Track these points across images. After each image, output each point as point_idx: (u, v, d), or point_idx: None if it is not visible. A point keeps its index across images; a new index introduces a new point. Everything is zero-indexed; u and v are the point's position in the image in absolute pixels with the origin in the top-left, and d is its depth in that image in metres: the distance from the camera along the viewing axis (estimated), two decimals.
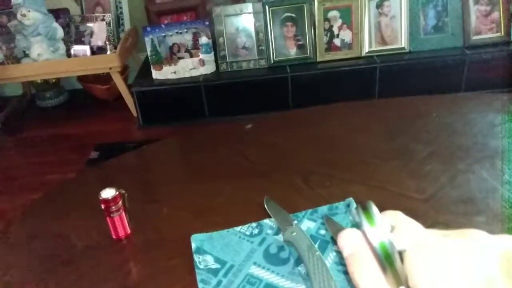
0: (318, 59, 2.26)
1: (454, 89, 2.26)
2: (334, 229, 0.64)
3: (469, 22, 2.24)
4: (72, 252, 0.69)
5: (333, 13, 2.23)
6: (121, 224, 0.70)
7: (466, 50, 2.22)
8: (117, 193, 0.68)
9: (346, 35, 2.25)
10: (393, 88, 2.23)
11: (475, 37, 2.26)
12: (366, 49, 2.26)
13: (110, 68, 2.21)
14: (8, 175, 1.98)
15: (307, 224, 0.66)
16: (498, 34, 2.26)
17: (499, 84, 2.19)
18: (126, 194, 0.71)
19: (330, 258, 0.59)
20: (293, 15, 2.22)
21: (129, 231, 0.71)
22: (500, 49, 2.22)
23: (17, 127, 2.37)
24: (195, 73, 2.23)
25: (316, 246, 0.60)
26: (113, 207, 0.68)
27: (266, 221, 0.68)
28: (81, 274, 0.64)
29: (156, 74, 2.23)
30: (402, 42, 2.26)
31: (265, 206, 0.70)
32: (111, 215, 0.69)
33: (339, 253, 0.60)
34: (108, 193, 0.68)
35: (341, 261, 0.59)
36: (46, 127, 2.35)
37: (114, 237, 0.70)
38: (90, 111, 2.45)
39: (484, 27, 2.26)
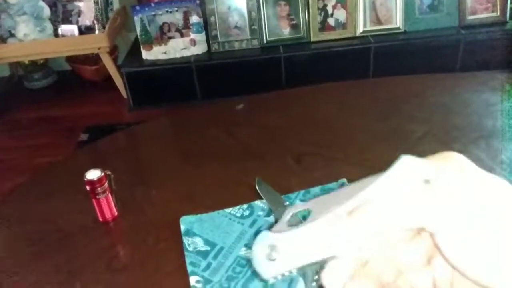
0: (312, 39, 2.22)
1: (449, 69, 2.24)
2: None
3: (464, 1, 2.21)
4: (58, 236, 0.67)
5: None
6: (107, 206, 0.68)
7: (462, 30, 2.19)
8: (103, 174, 0.66)
9: (340, 14, 2.21)
10: (388, 68, 2.20)
11: (470, 17, 2.23)
12: (360, 29, 2.22)
13: (99, 49, 2.16)
14: None
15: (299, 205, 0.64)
16: (494, 14, 2.23)
17: (495, 65, 2.17)
18: (112, 176, 0.68)
19: None
20: None
21: (116, 213, 0.69)
22: (496, 29, 2.19)
23: (5, 109, 2.32)
24: (186, 53, 2.18)
25: None
26: (99, 188, 0.66)
27: (257, 202, 0.66)
28: (68, 258, 0.63)
29: (146, 55, 2.18)
30: (397, 21, 2.22)
31: (257, 188, 0.68)
32: (97, 196, 0.67)
33: None
34: (93, 174, 0.66)
35: None
36: (34, 109, 2.30)
37: (100, 219, 0.68)
38: (79, 93, 2.40)
39: (480, 6, 2.23)
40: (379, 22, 2.23)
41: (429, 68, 2.19)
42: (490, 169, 0.70)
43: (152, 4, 2.15)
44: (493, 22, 2.21)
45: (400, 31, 2.22)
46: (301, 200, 0.65)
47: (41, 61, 2.48)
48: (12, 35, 2.14)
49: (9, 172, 1.80)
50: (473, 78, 1.00)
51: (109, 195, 0.68)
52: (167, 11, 2.14)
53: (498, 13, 2.22)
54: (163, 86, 2.22)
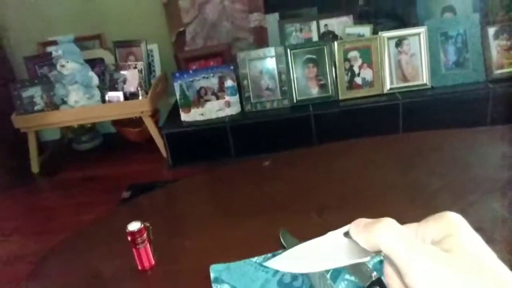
0: (340, 97, 2.31)
1: (479, 123, 2.25)
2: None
3: (490, 57, 2.26)
4: (100, 282, 0.74)
5: (353, 54, 2.30)
6: (146, 256, 0.75)
7: (489, 84, 2.22)
8: (142, 225, 0.74)
9: (367, 73, 2.31)
10: (417, 124, 2.23)
11: (497, 71, 2.27)
12: (387, 86, 2.30)
13: (142, 112, 2.33)
14: (45, 216, 2.09)
15: None
16: None
17: None
18: (150, 227, 0.76)
19: (341, 287, 0.62)
20: (314, 56, 2.30)
21: (153, 262, 0.76)
22: None
23: (55, 170, 2.50)
24: (221, 114, 2.32)
25: (328, 275, 0.63)
26: (139, 239, 0.74)
27: (281, 252, 0.71)
28: None
29: (184, 117, 2.33)
30: (424, 78, 2.29)
31: (281, 238, 0.74)
32: (137, 246, 0.74)
33: (350, 282, 0.63)
34: (134, 226, 0.74)
35: None
36: (81, 169, 2.48)
37: (139, 268, 0.75)
38: (123, 153, 2.57)
39: (506, 61, 2.27)
40: (405, 79, 2.30)
41: (458, 123, 2.21)
42: (504, 219, 0.73)
43: (191, 71, 2.33)
44: None
45: (427, 87, 2.28)
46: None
47: (89, 125, 2.69)
48: (65, 103, 2.36)
49: (58, 229, 1.93)
50: (491, 132, 1.04)
51: (148, 245, 0.75)
52: (204, 77, 2.31)
53: None
54: (200, 146, 2.34)
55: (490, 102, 2.21)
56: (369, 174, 0.93)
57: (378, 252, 0.32)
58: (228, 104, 2.32)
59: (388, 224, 0.32)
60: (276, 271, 0.68)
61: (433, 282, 0.29)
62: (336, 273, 0.65)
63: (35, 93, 2.38)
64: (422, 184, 0.86)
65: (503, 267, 0.30)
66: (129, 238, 0.74)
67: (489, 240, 0.68)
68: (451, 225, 0.33)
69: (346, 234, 0.34)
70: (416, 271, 0.29)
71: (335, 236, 0.35)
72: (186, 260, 0.76)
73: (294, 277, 0.66)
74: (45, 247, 1.74)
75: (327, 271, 0.64)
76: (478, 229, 0.72)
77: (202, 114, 2.33)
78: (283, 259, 0.36)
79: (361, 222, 0.34)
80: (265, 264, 0.38)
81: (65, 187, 2.34)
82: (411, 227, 0.33)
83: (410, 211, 0.77)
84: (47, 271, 0.81)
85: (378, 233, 0.32)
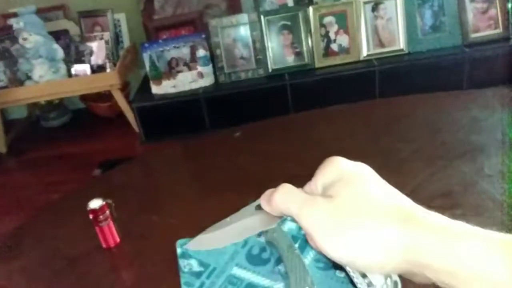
0: (316, 66, 2.27)
1: (455, 87, 2.24)
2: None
3: (466, 20, 2.24)
4: (64, 262, 0.71)
5: (329, 19, 2.25)
6: (109, 233, 0.71)
7: (465, 48, 2.21)
8: (104, 203, 0.70)
9: (343, 39, 2.26)
10: (394, 90, 2.21)
11: (473, 35, 2.25)
12: (364, 52, 2.27)
13: (111, 86, 2.25)
14: (14, 196, 2.02)
15: (289, 225, 0.66)
16: (497, 31, 2.25)
17: (501, 80, 2.17)
18: (113, 204, 0.72)
19: (309, 256, 0.60)
20: (289, 23, 2.24)
21: (118, 240, 0.72)
22: (500, 45, 2.21)
23: (23, 149, 2.41)
24: (194, 86, 2.26)
25: (297, 245, 0.60)
26: (101, 216, 0.70)
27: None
28: (73, 282, 0.66)
29: (156, 89, 2.26)
30: (400, 43, 2.26)
31: None
32: (100, 224, 0.70)
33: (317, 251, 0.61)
34: (95, 203, 0.70)
35: (320, 258, 0.59)
36: (50, 147, 2.39)
37: (104, 246, 0.72)
38: (93, 130, 2.49)
39: (482, 24, 2.25)
40: (382, 45, 2.27)
41: (435, 88, 2.17)
42: (474, 183, 0.71)
43: (160, 41, 2.24)
44: (497, 39, 2.23)
45: (403, 52, 2.26)
46: (291, 220, 0.67)
47: (57, 101, 2.59)
48: (29, 78, 2.25)
49: (28, 208, 1.87)
50: (462, 95, 1.02)
51: (111, 222, 0.71)
52: (174, 47, 2.23)
53: (501, 30, 2.24)
54: (173, 119, 2.28)
55: (466, 66, 2.21)
56: (340, 142, 0.91)
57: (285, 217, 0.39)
58: (201, 75, 2.26)
59: (283, 189, 0.39)
60: (244, 243, 0.65)
61: (318, 228, 0.34)
62: (304, 243, 0.62)
63: None
64: (393, 151, 0.84)
65: (398, 209, 0.34)
66: (90, 216, 0.70)
67: (459, 204, 0.66)
68: (338, 170, 0.38)
69: (258, 207, 0.40)
70: (306, 223, 0.35)
71: (248, 210, 0.42)
72: (153, 236, 0.73)
73: (262, 248, 0.63)
74: (15, 228, 1.69)
75: (295, 241, 0.62)
76: (447, 193, 0.70)
77: (174, 86, 2.26)
78: (201, 239, 0.42)
79: (267, 193, 0.40)
80: (185, 247, 0.45)
81: (34, 166, 2.26)
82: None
83: (380, 176, 0.75)
84: (14, 250, 0.78)
85: (277, 200, 0.38)
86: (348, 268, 0.36)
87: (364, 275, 0.34)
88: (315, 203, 0.36)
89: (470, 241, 0.31)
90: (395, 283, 0.34)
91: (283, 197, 0.38)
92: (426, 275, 0.32)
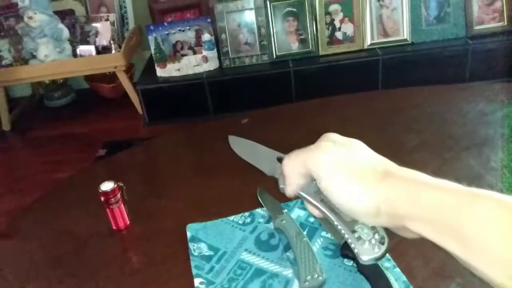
0: (321, 53, 2.27)
1: (458, 79, 2.26)
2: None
3: (471, 12, 2.23)
4: (74, 243, 0.72)
5: (334, 7, 2.24)
6: (120, 215, 0.73)
7: (469, 40, 2.21)
8: (116, 185, 0.72)
9: (348, 28, 2.26)
10: (397, 80, 2.23)
11: (478, 27, 2.25)
12: (368, 41, 2.27)
13: (115, 67, 2.25)
14: (17, 174, 2.04)
15: (298, 212, 0.68)
16: (501, 24, 2.25)
17: (504, 73, 2.18)
18: (124, 187, 0.74)
19: (317, 244, 0.62)
20: (294, 9, 2.24)
21: (128, 222, 0.74)
22: (504, 38, 2.21)
23: (26, 127, 2.42)
24: (198, 69, 2.26)
25: (305, 232, 0.62)
26: (112, 199, 0.72)
27: (258, 210, 0.71)
28: (82, 264, 0.68)
29: (160, 72, 2.26)
30: (404, 33, 2.26)
31: (258, 197, 0.73)
32: (111, 206, 0.72)
33: (326, 238, 0.63)
34: (107, 186, 0.72)
35: (328, 246, 0.62)
36: (54, 126, 2.40)
37: (114, 228, 0.74)
38: (97, 110, 2.50)
39: (486, 16, 2.25)
40: (386, 34, 2.27)
41: (438, 79, 2.22)
42: (479, 176, 0.73)
43: (166, 24, 2.24)
44: (501, 32, 2.23)
45: (407, 42, 2.26)
46: (299, 208, 0.69)
47: (61, 81, 2.59)
48: (34, 57, 2.25)
49: (30, 187, 1.89)
50: (470, 88, 1.03)
51: (122, 205, 0.73)
52: (179, 30, 2.23)
53: (505, 22, 2.24)
54: (177, 102, 2.29)
55: (469, 58, 2.22)
56: (346, 131, 0.91)
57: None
58: (205, 59, 2.26)
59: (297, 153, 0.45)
60: (253, 229, 0.67)
61: (325, 170, 0.40)
62: (312, 231, 0.64)
63: (2, 46, 2.26)
64: (399, 141, 0.85)
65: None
66: (102, 199, 0.72)
67: None
68: (334, 139, 0.44)
69: (279, 159, 0.48)
70: (313, 163, 0.42)
71: (271, 152, 0.54)
72: (162, 219, 0.75)
73: (271, 234, 0.65)
74: (18, 206, 1.72)
75: (304, 229, 0.64)
76: None
77: (178, 70, 2.26)
78: (236, 140, 0.59)
79: (293, 153, 0.45)
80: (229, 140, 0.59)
81: (38, 144, 2.28)
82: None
83: None
84: (20, 231, 0.79)
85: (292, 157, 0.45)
86: (338, 224, 0.40)
87: (353, 231, 0.38)
88: (324, 146, 0.42)
89: (434, 191, 0.35)
90: (382, 237, 0.38)
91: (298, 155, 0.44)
92: (407, 226, 0.36)
